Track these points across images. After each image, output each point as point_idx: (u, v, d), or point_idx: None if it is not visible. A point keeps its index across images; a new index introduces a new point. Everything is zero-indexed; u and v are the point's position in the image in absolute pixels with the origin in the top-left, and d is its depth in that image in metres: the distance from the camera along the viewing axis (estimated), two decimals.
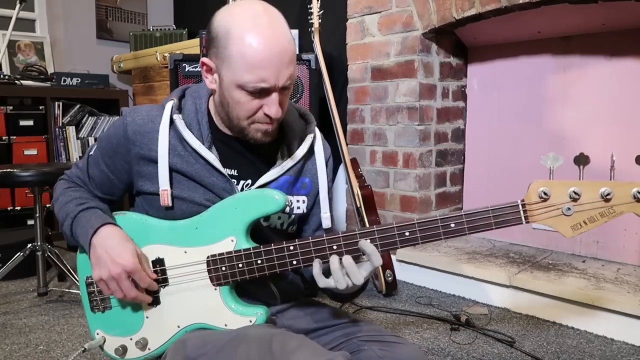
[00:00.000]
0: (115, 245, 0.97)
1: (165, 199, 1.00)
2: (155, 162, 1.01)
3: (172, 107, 1.03)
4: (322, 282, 0.93)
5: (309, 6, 2.38)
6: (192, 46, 3.19)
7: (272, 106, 0.95)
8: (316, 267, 0.92)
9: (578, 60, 2.34)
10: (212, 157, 1.01)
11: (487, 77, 2.67)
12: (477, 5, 2.21)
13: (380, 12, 2.58)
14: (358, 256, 0.93)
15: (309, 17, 2.37)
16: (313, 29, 2.36)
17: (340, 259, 0.91)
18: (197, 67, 2.38)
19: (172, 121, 1.02)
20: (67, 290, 2.37)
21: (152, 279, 0.99)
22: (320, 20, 2.36)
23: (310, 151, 1.11)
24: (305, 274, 1.14)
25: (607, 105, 2.27)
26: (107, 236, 0.99)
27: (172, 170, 1.01)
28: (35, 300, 2.30)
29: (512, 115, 2.58)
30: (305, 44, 2.90)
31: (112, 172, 1.07)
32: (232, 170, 1.05)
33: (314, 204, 1.12)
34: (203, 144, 1.01)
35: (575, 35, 2.33)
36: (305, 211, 1.11)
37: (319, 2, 2.36)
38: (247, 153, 1.06)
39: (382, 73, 2.61)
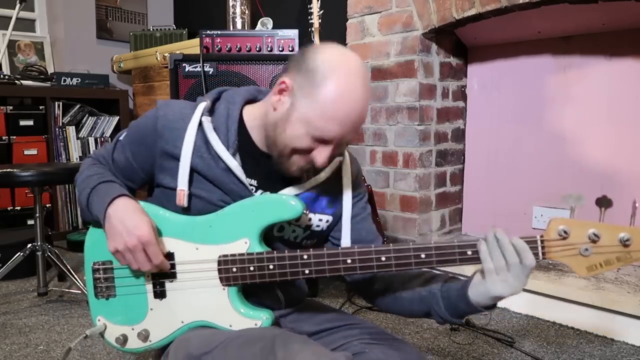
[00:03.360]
0: (131, 217, 0.96)
1: (182, 199, 1.00)
2: (178, 159, 1.01)
3: (204, 109, 1.02)
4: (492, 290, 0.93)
5: (309, 6, 2.38)
6: (192, 46, 3.18)
7: (322, 154, 0.95)
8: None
9: (578, 60, 2.34)
10: (235, 164, 1.00)
11: (487, 77, 2.67)
12: (477, 5, 2.21)
13: (380, 12, 2.58)
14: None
15: (309, 17, 2.36)
16: (313, 29, 2.36)
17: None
18: (197, 67, 2.37)
19: (201, 122, 1.02)
20: (67, 290, 2.37)
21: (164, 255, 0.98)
22: (320, 20, 2.36)
23: (337, 174, 1.09)
24: (347, 278, 1.11)
25: (607, 105, 2.27)
26: (123, 207, 0.98)
27: (192, 170, 1.01)
28: (35, 300, 2.30)
29: (512, 115, 2.58)
30: (305, 44, 2.90)
31: (136, 160, 1.06)
32: (253, 181, 1.03)
33: (335, 226, 1.11)
34: (227, 150, 1.00)
35: (575, 35, 2.33)
36: (325, 229, 1.09)
37: (319, 2, 2.36)
38: (271, 168, 1.03)
39: (382, 73, 2.61)
